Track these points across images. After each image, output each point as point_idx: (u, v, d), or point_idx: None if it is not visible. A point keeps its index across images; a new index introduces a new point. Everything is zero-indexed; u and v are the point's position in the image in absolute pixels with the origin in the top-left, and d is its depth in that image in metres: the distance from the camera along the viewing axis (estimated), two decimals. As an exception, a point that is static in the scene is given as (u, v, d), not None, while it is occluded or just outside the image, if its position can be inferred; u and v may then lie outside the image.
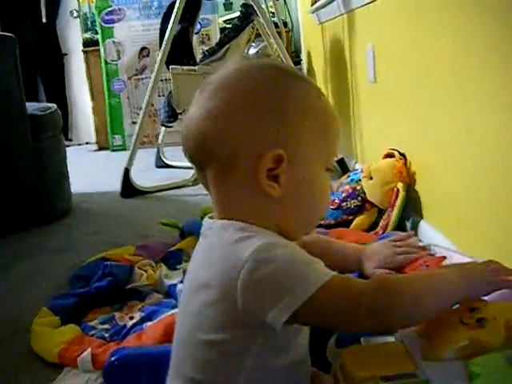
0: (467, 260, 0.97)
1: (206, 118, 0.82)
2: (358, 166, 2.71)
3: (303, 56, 4.85)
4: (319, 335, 0.89)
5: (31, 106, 2.78)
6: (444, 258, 0.99)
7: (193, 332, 0.81)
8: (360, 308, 0.74)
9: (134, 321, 1.54)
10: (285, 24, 5.06)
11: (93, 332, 1.53)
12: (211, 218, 0.87)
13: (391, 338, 0.83)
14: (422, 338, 0.78)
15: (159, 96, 4.47)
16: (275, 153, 0.79)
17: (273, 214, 0.82)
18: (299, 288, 0.72)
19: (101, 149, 5.12)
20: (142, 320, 1.52)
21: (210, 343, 0.79)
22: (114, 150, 4.93)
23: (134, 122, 4.57)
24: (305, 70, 4.78)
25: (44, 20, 4.88)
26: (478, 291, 0.82)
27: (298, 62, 4.97)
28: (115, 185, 3.18)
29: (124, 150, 4.70)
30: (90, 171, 4.07)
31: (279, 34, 3.55)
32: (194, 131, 0.83)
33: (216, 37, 4.48)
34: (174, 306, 1.53)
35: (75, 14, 5.26)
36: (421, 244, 1.11)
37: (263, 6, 3.80)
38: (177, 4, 3.04)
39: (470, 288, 0.81)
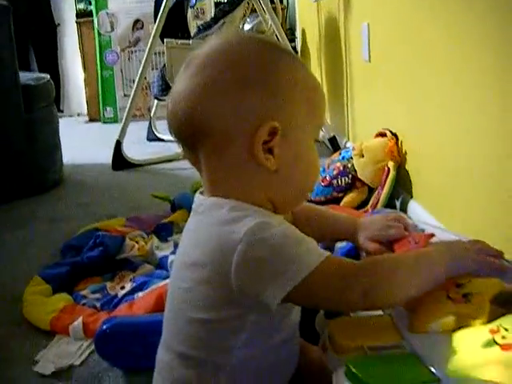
0: (454, 238, 0.98)
1: (193, 94, 0.80)
2: (349, 145, 2.72)
3: (298, 34, 4.83)
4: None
5: (24, 76, 2.77)
6: (432, 235, 1.01)
7: (183, 309, 0.82)
8: (352, 288, 0.75)
9: (125, 291, 1.56)
10: (281, 0, 5.04)
11: (84, 301, 1.55)
12: (202, 193, 0.86)
13: (380, 311, 0.85)
14: (409, 311, 0.80)
15: (152, 69, 4.46)
16: (270, 125, 0.78)
17: (266, 187, 0.82)
18: (294, 268, 0.73)
19: (92, 120, 5.10)
20: (133, 290, 1.55)
21: (201, 321, 0.79)
22: (105, 122, 4.92)
23: (127, 95, 4.56)
24: (299, 48, 4.77)
25: (37, -10, 4.85)
26: (464, 270, 0.83)
27: (292, 40, 4.95)
28: (106, 157, 3.19)
29: (115, 122, 4.70)
30: (81, 143, 4.06)
31: (275, 10, 3.54)
32: (181, 108, 0.81)
33: (211, 11, 4.45)
34: (166, 277, 1.55)
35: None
36: (410, 222, 1.12)
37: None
38: (172, -23, 3.03)
39: (456, 267, 0.82)
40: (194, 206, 0.86)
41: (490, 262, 0.85)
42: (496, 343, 0.69)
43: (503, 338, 0.69)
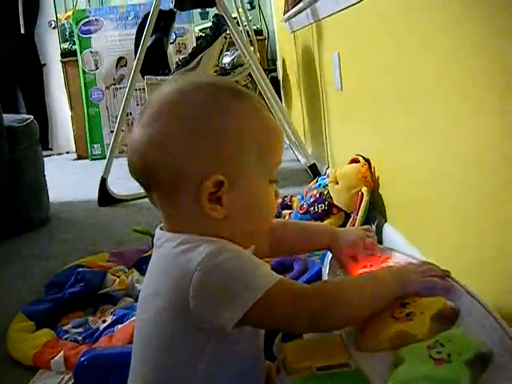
0: (407, 260, 1.03)
1: (146, 144, 0.83)
2: (328, 171, 2.76)
3: (279, 63, 4.90)
4: (272, 332, 0.93)
5: (8, 118, 2.82)
6: (388, 258, 1.06)
7: (149, 338, 0.85)
8: (301, 311, 0.80)
9: (106, 324, 1.59)
10: (260, 32, 5.12)
11: (66, 336, 1.59)
12: (162, 228, 0.89)
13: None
14: (357, 330, 0.85)
15: (138, 105, 4.52)
16: (215, 179, 0.81)
17: (219, 231, 0.83)
18: (247, 292, 0.76)
19: (80, 158, 5.14)
20: (114, 323, 1.58)
21: (165, 348, 0.82)
22: (93, 159, 4.96)
23: (113, 131, 4.61)
24: (280, 78, 4.85)
25: (22, 31, 4.91)
26: (410, 290, 0.87)
27: (273, 70, 5.04)
28: (93, 193, 3.24)
29: (103, 158, 4.66)
30: (68, 180, 4.11)
31: (251, 42, 3.62)
32: (136, 155, 0.84)
33: (192, 45, 4.51)
34: (145, 309, 1.58)
35: (53, 24, 5.30)
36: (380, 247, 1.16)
37: (236, 15, 3.88)
38: (150, 15, 3.09)
39: (402, 288, 0.87)
40: (154, 240, 0.89)
41: (434, 281, 0.89)
42: (431, 358, 0.73)
43: (438, 353, 0.74)
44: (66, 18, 5.23)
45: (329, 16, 2.48)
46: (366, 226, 1.15)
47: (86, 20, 4.88)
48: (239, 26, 3.70)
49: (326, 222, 2.14)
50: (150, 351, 0.85)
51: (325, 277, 1.06)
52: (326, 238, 1.09)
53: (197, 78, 0.92)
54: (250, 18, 4.39)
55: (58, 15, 5.30)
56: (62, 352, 1.47)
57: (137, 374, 0.89)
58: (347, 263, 1.07)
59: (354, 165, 2.11)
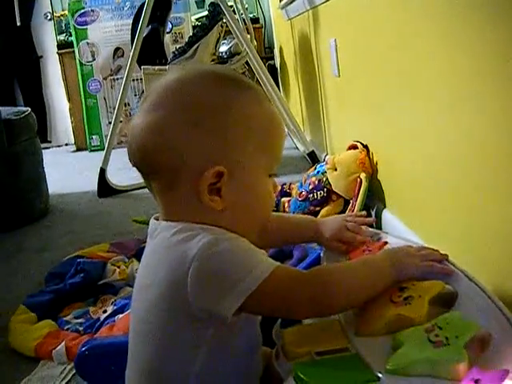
0: (405, 244, 1.03)
1: (147, 131, 0.83)
2: (327, 158, 2.76)
3: (276, 51, 4.89)
4: (270, 318, 0.94)
5: (6, 111, 2.83)
6: (385, 243, 1.06)
7: (144, 328, 0.85)
8: (300, 297, 0.80)
9: (107, 314, 1.60)
10: (257, 20, 5.11)
11: (68, 326, 1.60)
12: (157, 219, 0.89)
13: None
14: (356, 315, 0.86)
15: (135, 95, 4.52)
16: (215, 170, 0.81)
17: (217, 222, 0.84)
18: (246, 279, 0.76)
19: (79, 149, 5.15)
20: (114, 313, 1.59)
21: (162, 338, 0.82)
22: (92, 151, 4.96)
23: (111, 122, 4.61)
24: (278, 65, 4.84)
25: (18, 23, 4.90)
26: (408, 274, 0.88)
27: (271, 58, 5.03)
28: (92, 185, 3.25)
29: (102, 150, 4.63)
30: (68, 172, 4.12)
31: (247, 30, 3.61)
32: (137, 142, 0.84)
33: (189, 35, 4.50)
34: (145, 299, 1.59)
35: (49, 16, 5.29)
36: (371, 230, 1.16)
37: (232, 3, 3.87)
38: (146, 5, 3.07)
39: (399, 273, 0.87)
40: (149, 230, 0.89)
41: (432, 266, 0.90)
42: (430, 341, 0.74)
43: (436, 336, 0.74)
44: (61, 16, 5.22)
45: (325, 2, 2.47)
46: (350, 213, 1.15)
47: (82, 11, 4.87)
48: (235, 14, 3.69)
49: (325, 209, 2.15)
50: (146, 341, 0.85)
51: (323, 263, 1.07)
52: (310, 230, 1.10)
53: (200, 66, 0.92)
54: (246, 6, 4.38)
55: (53, 11, 5.29)
56: (64, 343, 1.47)
57: (134, 363, 0.89)
58: (340, 249, 1.08)
59: (352, 151, 2.11)
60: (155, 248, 0.86)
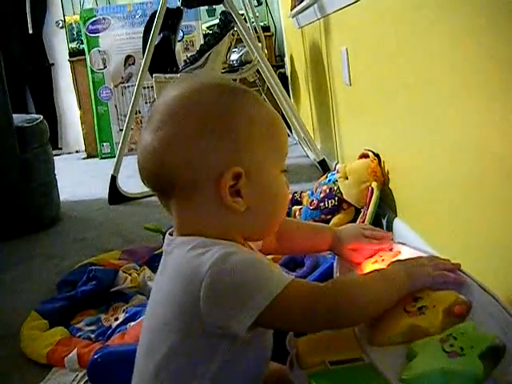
0: (417, 254, 1.03)
1: (157, 149, 0.83)
2: (338, 167, 2.76)
3: (287, 59, 4.90)
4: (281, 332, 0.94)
5: (18, 118, 2.84)
6: (398, 252, 1.06)
7: (156, 343, 0.84)
8: (318, 310, 0.80)
9: (119, 321, 1.61)
10: (268, 28, 5.11)
11: (79, 333, 1.60)
12: (171, 234, 0.89)
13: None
14: (370, 325, 0.86)
15: (146, 103, 4.54)
16: (233, 171, 0.82)
17: (238, 225, 0.86)
18: (260, 294, 0.76)
19: (90, 157, 5.15)
20: (126, 320, 1.59)
21: (174, 353, 0.82)
22: (102, 158, 4.97)
23: (122, 130, 4.63)
24: (288, 74, 4.84)
25: (30, 31, 4.93)
26: (420, 285, 0.88)
27: (281, 66, 5.03)
28: (103, 192, 3.25)
29: (113, 157, 4.67)
30: (79, 179, 4.13)
31: (259, 38, 3.62)
32: (147, 162, 0.85)
33: (200, 43, 4.52)
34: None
35: (61, 24, 5.31)
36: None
37: (243, 11, 3.88)
38: (157, 13, 3.10)
39: (414, 283, 0.88)
40: (164, 246, 0.89)
41: (445, 275, 0.90)
42: (445, 351, 0.74)
43: (451, 346, 0.74)
44: (75, 21, 5.25)
45: (336, 11, 2.47)
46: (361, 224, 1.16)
47: (94, 19, 4.89)
48: (246, 22, 3.69)
49: (336, 218, 2.14)
50: (157, 355, 0.84)
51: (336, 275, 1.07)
52: (328, 237, 1.11)
53: (195, 80, 0.92)
54: (257, 14, 4.38)
55: (65, 17, 5.31)
56: (76, 350, 1.48)
57: (141, 377, 0.88)
58: (355, 258, 1.09)
59: (363, 160, 2.11)
60: (169, 264, 0.86)
